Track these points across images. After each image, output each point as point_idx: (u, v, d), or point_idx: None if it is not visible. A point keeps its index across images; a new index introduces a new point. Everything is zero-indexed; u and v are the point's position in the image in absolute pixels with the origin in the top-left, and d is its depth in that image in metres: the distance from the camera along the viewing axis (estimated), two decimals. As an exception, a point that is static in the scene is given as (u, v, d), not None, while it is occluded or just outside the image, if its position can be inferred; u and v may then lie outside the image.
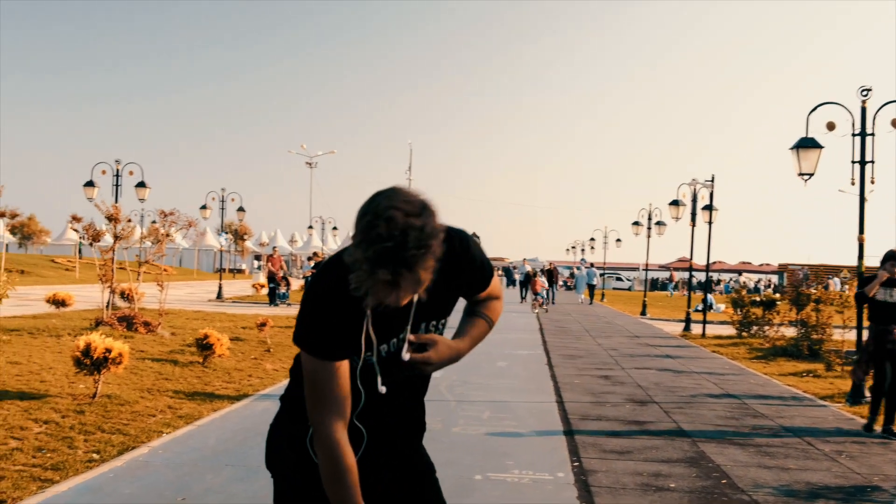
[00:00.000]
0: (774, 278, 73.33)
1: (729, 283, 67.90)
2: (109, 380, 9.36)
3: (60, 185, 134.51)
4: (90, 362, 8.24)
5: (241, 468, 6.11)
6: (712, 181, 20.90)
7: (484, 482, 6.02)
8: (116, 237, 14.70)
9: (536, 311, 28.56)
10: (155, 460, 6.31)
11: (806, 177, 10.87)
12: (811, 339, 15.82)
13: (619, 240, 51.91)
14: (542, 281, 30.04)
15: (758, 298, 19.85)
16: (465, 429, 7.88)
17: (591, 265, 42.42)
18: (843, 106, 10.52)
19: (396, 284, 1.93)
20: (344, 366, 2.17)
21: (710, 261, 22.05)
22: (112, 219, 14.53)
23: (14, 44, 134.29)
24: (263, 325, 14.40)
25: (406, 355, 2.24)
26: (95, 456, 6.35)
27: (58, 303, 17.92)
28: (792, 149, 10.94)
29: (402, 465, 2.44)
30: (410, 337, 2.25)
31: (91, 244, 15.07)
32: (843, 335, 14.59)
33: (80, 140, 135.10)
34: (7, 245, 53.47)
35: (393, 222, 1.88)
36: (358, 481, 2.18)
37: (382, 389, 2.25)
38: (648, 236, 31.01)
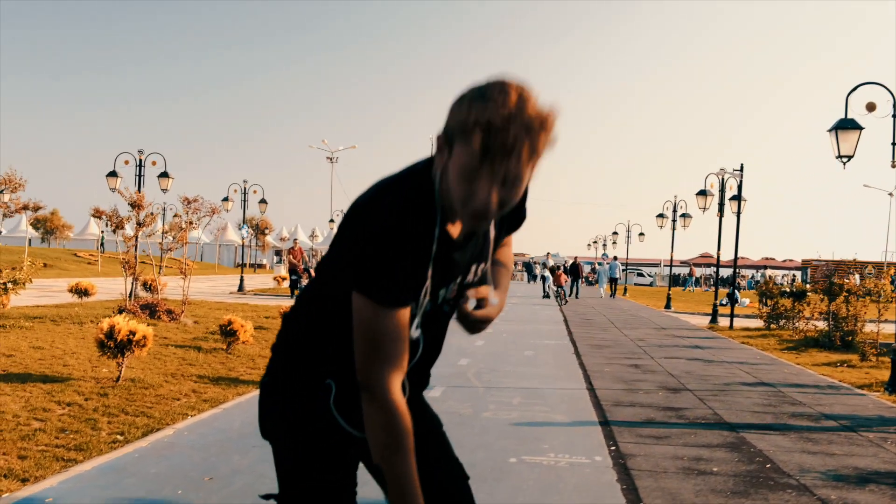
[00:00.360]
0: (798, 274, 72.58)
1: (751, 279, 67.27)
2: (133, 364, 9.23)
3: (83, 182, 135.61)
4: (114, 345, 8.10)
5: (269, 450, 5.90)
6: (741, 170, 20.54)
7: (519, 465, 5.81)
8: (139, 224, 14.60)
9: (565, 302, 28.96)
10: (180, 441, 6.15)
11: (845, 159, 10.56)
12: (844, 329, 15.49)
13: (642, 234, 51.59)
14: (564, 275, 30.31)
15: (787, 289, 19.49)
16: (495, 414, 7.67)
17: (615, 258, 42.08)
18: (883, 86, 10.19)
19: (518, 182, 1.72)
20: (406, 314, 1.86)
21: (732, 258, 21.70)
22: (135, 206, 14.42)
23: (42, 45, 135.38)
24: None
25: (493, 296, 1.98)
26: (119, 437, 6.19)
27: (80, 292, 17.85)
28: (830, 130, 10.63)
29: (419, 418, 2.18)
30: (471, 293, 2.01)
31: (114, 231, 14.97)
32: (879, 327, 14.27)
33: (104, 138, 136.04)
34: (30, 240, 53.86)
35: (507, 98, 1.66)
36: (414, 447, 1.90)
37: (416, 333, 1.96)
38: (673, 228, 30.66)
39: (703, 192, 22.91)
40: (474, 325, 2.05)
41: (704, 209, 22.90)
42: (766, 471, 5.87)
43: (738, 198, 20.82)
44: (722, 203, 21.54)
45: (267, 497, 2.19)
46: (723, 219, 21.85)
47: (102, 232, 56.55)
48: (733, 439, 6.94)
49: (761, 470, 5.90)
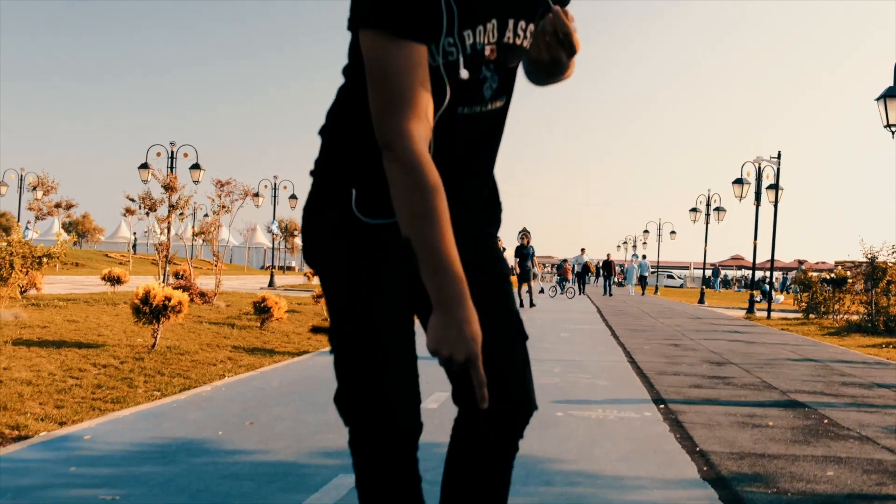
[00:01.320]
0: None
1: (783, 281, 66.37)
2: (167, 335, 9.14)
3: (114, 187, 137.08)
4: (149, 310, 8.00)
5: (309, 403, 5.78)
6: (778, 158, 20.16)
7: (566, 418, 5.63)
8: (172, 206, 14.56)
9: (572, 295, 29.42)
10: (219, 396, 6.03)
11: (894, 128, 10.26)
12: (888, 314, 15.14)
13: (673, 232, 51.07)
14: (571, 270, 30.81)
15: (827, 276, 19.10)
16: (537, 379, 7.41)
17: (644, 257, 41.67)
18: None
19: None
20: (423, 52, 1.58)
21: (766, 259, 21.32)
22: (168, 188, 14.38)
23: (73, 50, 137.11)
24: (320, 296, 14.14)
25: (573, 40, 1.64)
26: (157, 393, 6.07)
27: (113, 280, 17.85)
28: (879, 99, 10.34)
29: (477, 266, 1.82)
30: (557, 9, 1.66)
31: (147, 213, 14.93)
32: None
33: (135, 143, 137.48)
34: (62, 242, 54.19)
35: None
36: (449, 213, 1.57)
37: (465, 74, 1.66)
38: (707, 222, 30.20)
39: (739, 181, 22.38)
40: (555, 51, 1.69)
41: (741, 198, 22.39)
42: (825, 425, 5.64)
43: (775, 187, 20.43)
44: (759, 191, 21.14)
45: (316, 330, 1.97)
46: (759, 209, 21.46)
47: (134, 234, 56.98)
48: (786, 400, 6.71)
49: (819, 425, 5.66)
